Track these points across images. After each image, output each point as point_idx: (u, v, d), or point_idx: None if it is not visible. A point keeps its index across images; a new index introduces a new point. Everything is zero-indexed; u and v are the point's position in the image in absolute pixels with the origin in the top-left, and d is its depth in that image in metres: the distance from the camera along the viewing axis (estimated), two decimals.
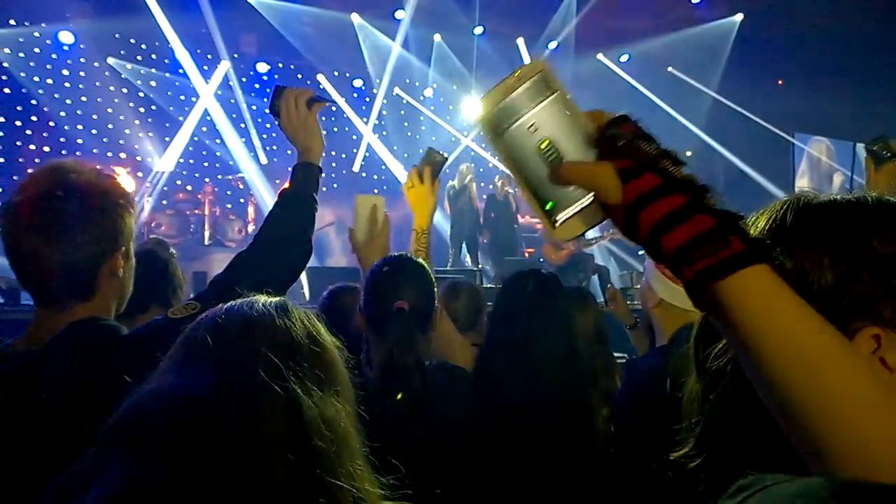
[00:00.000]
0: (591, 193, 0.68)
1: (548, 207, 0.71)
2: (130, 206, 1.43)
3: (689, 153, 12.73)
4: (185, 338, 0.92)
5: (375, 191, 12.27)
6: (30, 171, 1.45)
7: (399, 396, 1.61)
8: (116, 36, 10.40)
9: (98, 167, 1.45)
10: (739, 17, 11.73)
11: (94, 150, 9.93)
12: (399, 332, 1.68)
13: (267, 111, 1.73)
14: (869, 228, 0.69)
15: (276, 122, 1.73)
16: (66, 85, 10.03)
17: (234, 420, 0.79)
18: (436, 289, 1.84)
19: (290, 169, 1.72)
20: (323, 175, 1.74)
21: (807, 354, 0.56)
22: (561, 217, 0.71)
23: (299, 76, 12.07)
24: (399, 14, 11.57)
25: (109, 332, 1.32)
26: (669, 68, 12.50)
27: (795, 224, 0.73)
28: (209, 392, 0.81)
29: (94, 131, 10.08)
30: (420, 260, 1.90)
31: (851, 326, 0.66)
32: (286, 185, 1.70)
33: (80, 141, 9.91)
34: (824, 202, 0.74)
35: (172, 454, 0.75)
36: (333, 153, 12.35)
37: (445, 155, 2.20)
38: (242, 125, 11.25)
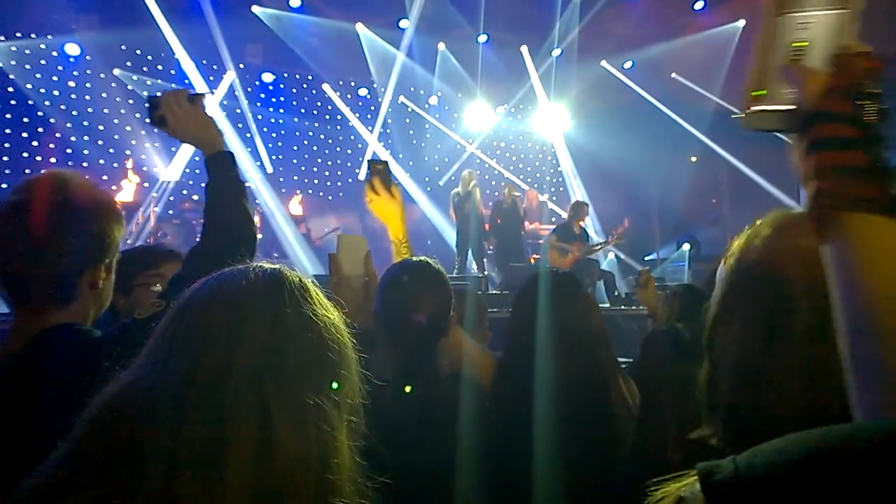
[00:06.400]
0: (794, 105, 0.74)
1: (755, 93, 0.77)
2: (119, 222, 1.44)
3: (693, 159, 12.72)
4: (174, 314, 0.86)
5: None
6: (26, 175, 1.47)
7: (409, 389, 1.62)
8: (122, 47, 10.49)
9: (93, 180, 1.48)
10: (742, 23, 11.74)
11: (101, 161, 10.00)
12: (416, 345, 1.68)
13: (152, 125, 1.64)
14: None
15: (162, 131, 1.64)
16: (73, 96, 10.11)
17: (195, 428, 0.74)
18: (452, 295, 1.83)
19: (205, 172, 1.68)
20: (234, 154, 1.67)
21: None
22: (757, 108, 0.77)
23: (304, 85, 12.14)
24: (403, 23, 11.63)
25: (82, 336, 1.33)
26: (673, 74, 12.51)
27: None
28: (176, 401, 0.75)
29: (100, 142, 10.16)
30: (437, 265, 1.88)
31: None
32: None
33: (86, 151, 9.99)
34: None
35: (120, 456, 0.72)
36: (339, 161, 12.40)
37: (384, 160, 2.18)
38: (248, 135, 11.30)
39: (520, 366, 1.85)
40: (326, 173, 12.28)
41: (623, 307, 7.91)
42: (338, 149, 12.42)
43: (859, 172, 0.67)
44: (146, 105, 1.65)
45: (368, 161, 2.17)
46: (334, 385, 0.83)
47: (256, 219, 9.68)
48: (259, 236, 10.47)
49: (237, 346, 0.79)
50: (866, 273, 0.64)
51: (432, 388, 1.66)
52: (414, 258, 1.90)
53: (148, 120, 1.66)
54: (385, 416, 1.51)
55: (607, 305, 8.17)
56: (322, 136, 12.24)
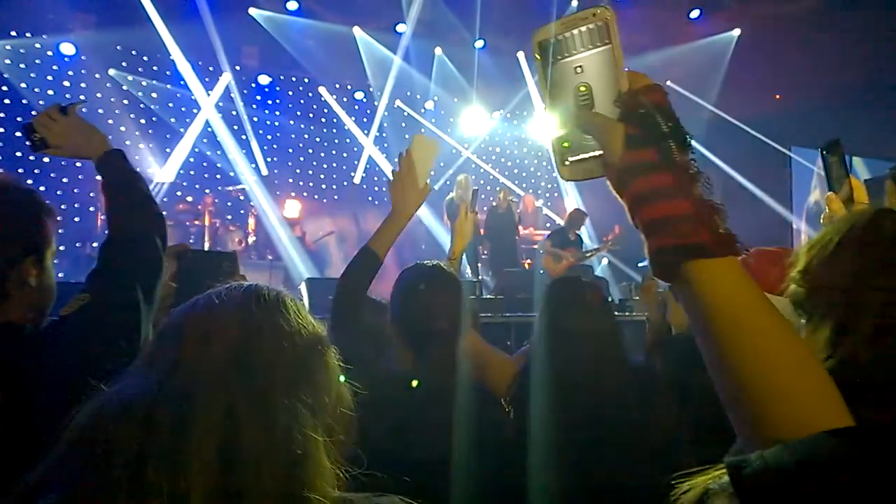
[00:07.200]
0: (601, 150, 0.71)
1: (563, 146, 0.74)
2: (45, 217, 1.44)
3: None
4: (157, 331, 0.91)
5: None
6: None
7: (415, 384, 1.64)
8: (118, 47, 10.46)
9: (13, 178, 1.48)
10: (737, 32, 11.81)
11: None
12: (440, 354, 1.71)
13: (34, 151, 1.64)
14: None
15: (47, 154, 1.65)
16: (67, 96, 10.05)
17: (163, 425, 0.76)
18: (465, 297, 1.86)
19: (98, 178, 1.66)
20: (121, 149, 1.67)
21: (753, 336, 0.61)
22: (570, 159, 0.74)
23: (300, 88, 12.14)
24: (400, 27, 11.64)
25: (15, 335, 1.34)
26: (668, 82, 12.56)
27: None
28: (148, 402, 0.78)
29: None
30: (449, 269, 1.92)
31: None
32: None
33: None
34: None
35: (102, 462, 0.74)
36: (335, 165, 12.39)
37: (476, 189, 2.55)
38: (244, 137, 11.28)
39: (548, 372, 1.86)
40: (322, 176, 12.26)
41: (616, 313, 7.91)
42: (333, 152, 12.41)
43: (686, 220, 0.64)
44: (24, 134, 1.64)
45: (474, 189, 2.55)
46: (308, 389, 0.86)
47: (252, 221, 9.54)
48: (253, 239, 10.34)
49: (207, 350, 0.83)
50: (715, 317, 0.62)
51: (455, 390, 1.67)
52: (426, 264, 1.92)
53: (29, 145, 1.64)
54: (402, 415, 1.52)
55: None
56: (318, 139, 12.23)
